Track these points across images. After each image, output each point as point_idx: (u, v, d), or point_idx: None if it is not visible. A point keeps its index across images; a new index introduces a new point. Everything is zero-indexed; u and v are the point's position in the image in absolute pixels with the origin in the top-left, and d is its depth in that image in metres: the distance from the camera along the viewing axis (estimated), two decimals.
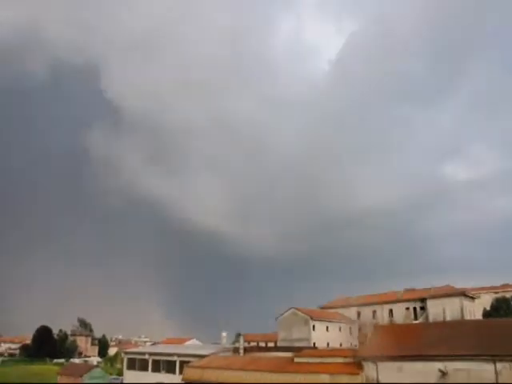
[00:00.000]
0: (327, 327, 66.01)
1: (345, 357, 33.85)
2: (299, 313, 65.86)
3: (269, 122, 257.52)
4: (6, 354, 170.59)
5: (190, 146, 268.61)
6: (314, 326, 63.30)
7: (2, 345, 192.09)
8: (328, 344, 62.34)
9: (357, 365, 31.28)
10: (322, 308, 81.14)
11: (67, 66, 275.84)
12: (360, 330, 71.69)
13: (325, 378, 31.18)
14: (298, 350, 41.84)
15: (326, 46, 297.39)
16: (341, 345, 65.13)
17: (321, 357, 36.36)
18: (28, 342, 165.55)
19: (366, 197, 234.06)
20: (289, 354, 40.45)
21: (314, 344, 59.78)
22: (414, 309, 73.23)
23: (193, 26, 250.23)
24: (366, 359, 30.78)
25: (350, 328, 71.84)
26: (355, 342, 63.86)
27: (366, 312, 77.50)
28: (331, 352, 41.26)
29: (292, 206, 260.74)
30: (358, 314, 78.05)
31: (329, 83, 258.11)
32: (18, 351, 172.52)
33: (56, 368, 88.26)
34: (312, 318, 64.00)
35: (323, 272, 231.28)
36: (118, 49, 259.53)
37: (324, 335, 63.83)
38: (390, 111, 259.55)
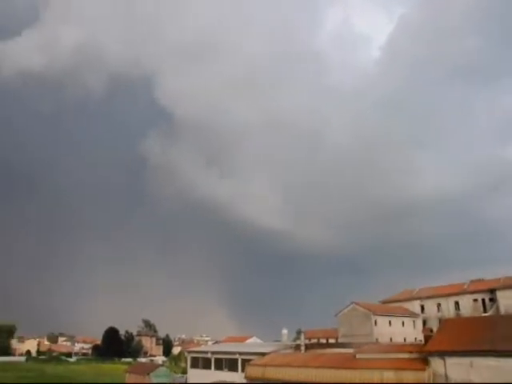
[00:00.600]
0: (390, 322, 64.22)
1: (410, 352, 32.63)
2: (360, 308, 64.58)
3: (322, 115, 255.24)
4: (79, 354, 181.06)
5: (245, 146, 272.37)
6: (375, 321, 61.83)
7: (76, 345, 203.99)
8: (391, 339, 60.62)
9: (423, 360, 30.03)
10: (383, 302, 79.04)
11: (122, 80, 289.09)
12: (425, 323, 69.15)
13: (389, 374, 30.18)
14: (359, 346, 40.94)
15: (376, 33, 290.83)
16: (405, 340, 63.08)
17: (384, 352, 35.33)
18: (98, 342, 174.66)
19: (424, 184, 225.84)
20: (350, 350, 39.65)
21: (377, 339, 58.31)
22: (483, 301, 69.43)
23: (241, 27, 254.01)
24: (432, 354, 29.44)
25: (414, 322, 69.44)
26: (420, 337, 61.62)
27: (430, 305, 74.58)
28: (395, 347, 39.98)
29: (348, 197, 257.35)
30: (422, 307, 75.29)
31: (381, 70, 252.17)
32: (90, 351, 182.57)
33: (124, 367, 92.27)
34: (373, 313, 62.54)
35: (382, 265, 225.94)
36: (170, 58, 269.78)
37: (387, 330, 62.13)
38: (447, 94, 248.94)
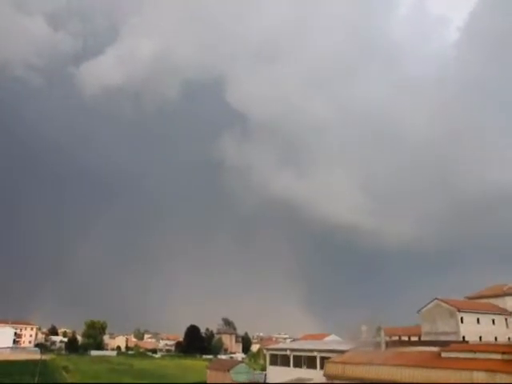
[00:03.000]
0: (478, 319, 60.03)
1: (503, 353, 30.22)
2: (444, 304, 61.12)
3: (400, 107, 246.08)
4: (163, 350, 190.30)
5: (321, 143, 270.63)
6: (461, 319, 58.14)
7: (161, 341, 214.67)
8: (480, 338, 56.66)
9: None
10: (470, 298, 74.12)
11: (196, 85, 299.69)
12: None
13: (480, 375, 28.02)
14: (444, 344, 38.71)
15: (453, 13, 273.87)
16: (496, 339, 58.65)
17: (473, 352, 33.04)
18: (181, 339, 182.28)
19: None
20: (435, 349, 37.60)
21: (464, 338, 54.85)
22: None
23: (310, 21, 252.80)
24: None
25: (506, 320, 64.38)
26: None
27: None
28: (486, 347, 37.26)
29: (432, 191, 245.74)
30: None
31: (461, 53, 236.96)
32: (173, 347, 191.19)
33: (205, 363, 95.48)
34: (459, 310, 58.86)
35: (470, 260, 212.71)
36: (240, 60, 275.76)
37: (475, 328, 58.14)
38: None
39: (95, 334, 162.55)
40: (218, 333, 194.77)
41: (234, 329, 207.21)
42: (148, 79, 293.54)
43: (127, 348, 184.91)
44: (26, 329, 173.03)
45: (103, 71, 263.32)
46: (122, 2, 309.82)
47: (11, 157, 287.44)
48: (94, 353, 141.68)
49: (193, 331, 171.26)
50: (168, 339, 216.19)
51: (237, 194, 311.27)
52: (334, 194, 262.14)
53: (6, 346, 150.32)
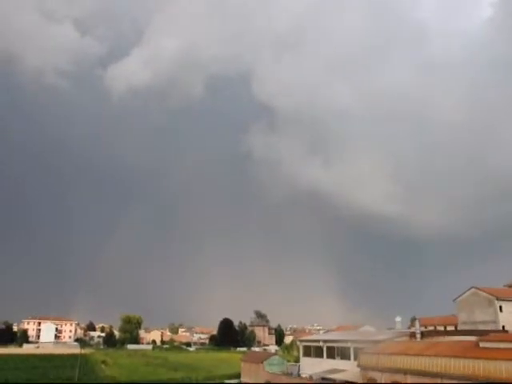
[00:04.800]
0: None
1: None
2: (481, 292, 59.59)
3: (426, 88, 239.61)
4: (198, 343, 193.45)
5: (349, 131, 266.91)
6: (500, 307, 56.54)
7: (195, 335, 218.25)
8: None
9: None
10: (509, 286, 71.99)
11: (221, 79, 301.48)
12: None
13: None
14: (483, 334, 37.78)
15: None
16: None
17: None
18: (214, 332, 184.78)
19: None
20: (472, 338, 36.74)
21: (504, 327, 53.38)
22: None
23: (332, 6, 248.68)
24: None
25: None
26: None
27: None
28: None
29: (468, 176, 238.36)
30: None
31: (494, 29, 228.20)
32: (207, 341, 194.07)
33: (239, 355, 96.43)
34: (498, 298, 57.26)
35: (506, 246, 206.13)
36: (264, 51, 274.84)
37: None
38: None
39: (131, 329, 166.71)
40: (251, 325, 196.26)
41: (267, 321, 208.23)
42: (174, 77, 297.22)
43: (162, 342, 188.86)
44: (66, 324, 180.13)
45: (129, 72, 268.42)
46: (145, 2, 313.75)
47: (45, 159, 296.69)
48: (130, 347, 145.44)
49: (226, 324, 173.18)
50: (202, 333, 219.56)
51: (265, 186, 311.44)
52: (362, 183, 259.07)
53: (48, 340, 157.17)
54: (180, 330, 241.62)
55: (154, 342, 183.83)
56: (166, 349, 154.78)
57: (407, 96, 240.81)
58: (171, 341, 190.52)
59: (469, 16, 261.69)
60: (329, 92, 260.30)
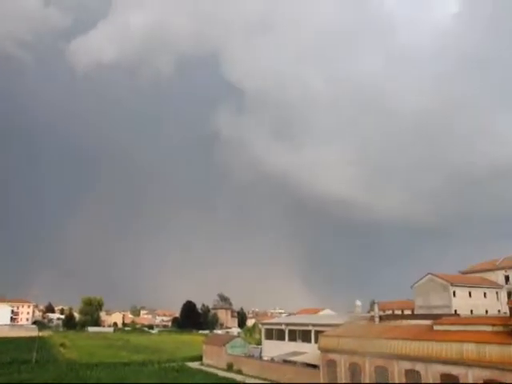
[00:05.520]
0: (469, 293, 61.38)
1: (493, 325, 31.07)
2: (437, 278, 62.30)
3: (397, 80, 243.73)
4: (160, 326, 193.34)
5: (316, 117, 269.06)
6: (454, 292, 59.39)
7: (157, 317, 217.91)
8: (471, 311, 58.06)
9: (508, 334, 28.51)
10: (463, 273, 75.51)
11: (191, 58, 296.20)
12: (510, 295, 65.31)
13: (470, 347, 28.90)
14: (437, 318, 39.69)
15: None
16: (486, 312, 60.12)
17: (464, 324, 33.95)
18: (177, 315, 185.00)
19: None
20: (427, 322, 38.56)
21: (456, 311, 56.16)
22: None
23: None
24: None
25: (497, 293, 65.82)
26: (504, 309, 58.43)
27: None
28: (476, 320, 38.28)
29: (428, 165, 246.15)
30: (507, 278, 70.94)
31: (460, 25, 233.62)
32: (169, 323, 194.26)
33: (201, 338, 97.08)
34: (451, 284, 60.08)
35: (465, 234, 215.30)
36: (235, 33, 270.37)
37: (466, 302, 59.50)
38: None
39: (92, 311, 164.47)
40: (214, 308, 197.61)
41: (230, 304, 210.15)
42: (142, 54, 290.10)
43: (124, 324, 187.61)
44: (22, 306, 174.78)
45: (95, 47, 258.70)
46: None
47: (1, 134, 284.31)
48: (90, 329, 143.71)
49: (189, 307, 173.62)
50: (164, 315, 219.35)
51: (232, 168, 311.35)
52: (326, 168, 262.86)
53: (3, 323, 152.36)
54: (142, 312, 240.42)
55: (115, 324, 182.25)
56: (128, 331, 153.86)
57: (375, 84, 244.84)
58: (133, 323, 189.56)
59: (438, 10, 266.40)
60: (297, 77, 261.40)
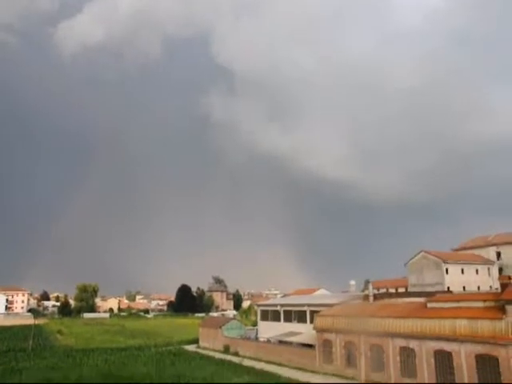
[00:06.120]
0: (462, 270, 62.36)
1: (484, 301, 31.61)
2: (430, 256, 63.11)
3: (389, 58, 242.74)
4: (155, 310, 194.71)
5: (308, 98, 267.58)
6: (447, 270, 60.32)
7: (152, 302, 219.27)
8: (464, 288, 59.08)
9: (499, 309, 29.05)
10: (456, 250, 76.55)
11: (179, 40, 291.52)
12: (501, 271, 66.40)
13: (462, 323, 29.49)
14: (430, 295, 40.31)
15: None
16: (478, 288, 61.23)
17: (457, 301, 34.49)
18: (172, 299, 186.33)
19: (505, 125, 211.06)
20: (421, 300, 39.16)
21: (448, 288, 57.11)
22: None
23: None
24: (510, 303, 28.33)
25: (489, 270, 66.90)
26: (496, 285, 59.43)
27: (508, 251, 71.14)
28: (468, 296, 38.97)
29: (421, 143, 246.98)
30: (498, 254, 72.07)
31: (450, 3, 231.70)
32: (165, 307, 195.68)
33: (197, 321, 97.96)
34: (444, 261, 60.93)
35: (458, 212, 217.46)
36: (225, 13, 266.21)
37: (459, 278, 60.51)
38: None
39: (87, 297, 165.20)
40: (209, 291, 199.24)
41: (225, 286, 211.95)
42: (129, 36, 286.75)
43: (119, 310, 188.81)
44: (17, 295, 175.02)
45: (82, 30, 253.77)
46: None
47: None
48: (86, 315, 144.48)
49: (184, 290, 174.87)
50: (160, 299, 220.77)
51: (224, 150, 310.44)
52: (320, 148, 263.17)
53: None
54: (137, 297, 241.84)
55: (111, 310, 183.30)
56: (124, 316, 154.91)
57: (367, 63, 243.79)
58: (129, 308, 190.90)
59: None
60: (289, 57, 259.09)
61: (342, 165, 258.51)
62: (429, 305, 35.86)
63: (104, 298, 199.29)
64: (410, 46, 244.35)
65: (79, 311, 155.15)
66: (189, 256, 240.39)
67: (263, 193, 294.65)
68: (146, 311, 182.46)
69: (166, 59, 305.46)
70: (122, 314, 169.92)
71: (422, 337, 32.09)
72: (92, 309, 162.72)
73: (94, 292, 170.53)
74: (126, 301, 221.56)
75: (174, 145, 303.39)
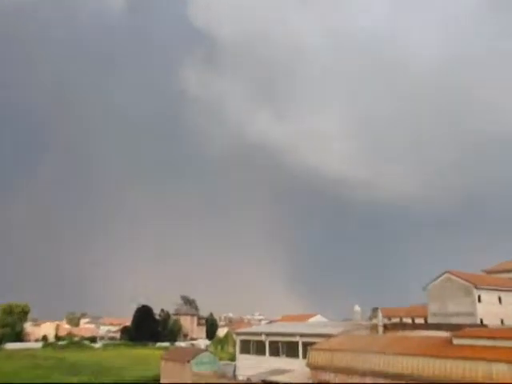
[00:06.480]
0: (499, 298, 62.38)
1: None
2: (457, 279, 63.06)
3: (401, 28, 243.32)
4: (105, 338, 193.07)
5: (305, 75, 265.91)
6: (479, 297, 60.27)
7: (102, 327, 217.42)
8: (502, 321, 59.17)
9: None
10: (488, 272, 76.87)
11: None
12: None
13: (500, 367, 29.16)
14: (457, 329, 40.19)
15: None
16: None
17: (493, 338, 34.32)
18: (128, 323, 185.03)
19: None
20: (445, 334, 39.05)
21: (482, 321, 57.14)
22: None
23: None
24: None
25: None
26: None
27: None
28: (508, 332, 38.84)
29: (437, 133, 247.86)
30: None
31: None
32: (118, 334, 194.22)
33: (159, 352, 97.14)
34: (476, 286, 60.91)
35: (489, 220, 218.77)
36: None
37: (495, 309, 60.45)
38: None
39: (13, 322, 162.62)
40: (176, 314, 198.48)
41: (196, 309, 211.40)
42: None
43: (57, 337, 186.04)
44: None
45: None
46: None
47: None
48: (11, 345, 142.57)
49: (143, 313, 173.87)
50: (111, 324, 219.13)
51: (203, 131, 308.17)
52: (320, 140, 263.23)
53: None
54: (82, 321, 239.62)
55: (45, 338, 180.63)
56: (63, 346, 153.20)
57: (380, 34, 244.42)
58: (70, 335, 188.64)
59: None
60: (283, 24, 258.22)
61: (349, 162, 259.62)
62: (455, 341, 35.66)
63: (37, 323, 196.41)
64: (427, 12, 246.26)
65: (1, 340, 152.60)
66: (150, 269, 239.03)
67: (249, 187, 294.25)
68: (93, 339, 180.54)
69: (129, 16, 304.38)
70: (61, 343, 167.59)
71: (445, 382, 31.84)
72: (19, 337, 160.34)
73: (24, 314, 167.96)
74: (67, 326, 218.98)
75: (144, 124, 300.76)
